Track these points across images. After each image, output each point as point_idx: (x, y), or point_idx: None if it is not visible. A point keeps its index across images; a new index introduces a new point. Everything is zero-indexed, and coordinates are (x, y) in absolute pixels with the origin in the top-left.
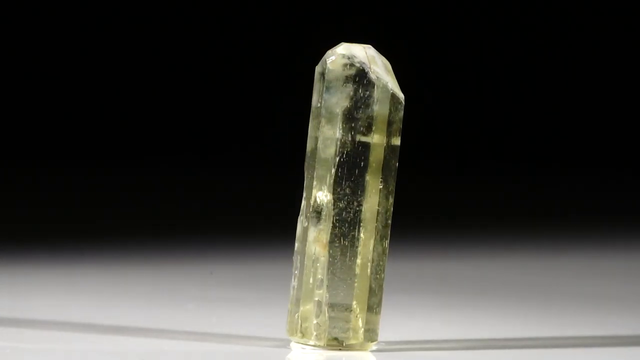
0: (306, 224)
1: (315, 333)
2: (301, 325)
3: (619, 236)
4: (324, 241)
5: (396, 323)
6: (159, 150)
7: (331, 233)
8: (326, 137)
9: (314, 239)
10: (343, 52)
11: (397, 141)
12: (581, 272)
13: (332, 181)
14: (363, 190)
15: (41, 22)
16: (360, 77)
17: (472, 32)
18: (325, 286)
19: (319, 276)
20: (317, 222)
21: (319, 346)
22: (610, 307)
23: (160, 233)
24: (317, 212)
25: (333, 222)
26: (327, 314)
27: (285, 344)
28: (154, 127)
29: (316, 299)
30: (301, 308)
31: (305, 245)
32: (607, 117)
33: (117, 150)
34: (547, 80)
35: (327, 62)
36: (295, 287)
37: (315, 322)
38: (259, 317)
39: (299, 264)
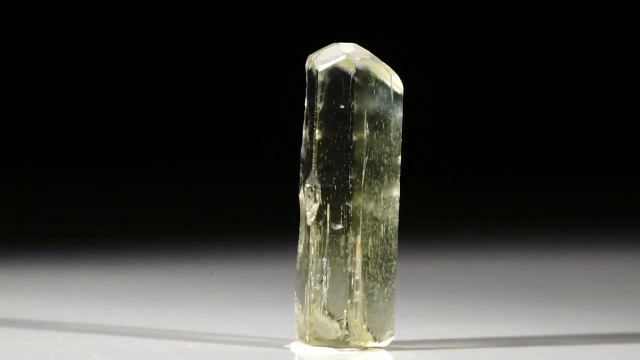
0: (338, 226)
1: (356, 335)
2: (347, 330)
3: (617, 236)
4: (358, 242)
5: (404, 322)
6: (158, 152)
7: (362, 234)
8: (319, 138)
9: (346, 240)
10: (334, 53)
11: (388, 137)
12: (581, 271)
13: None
14: (351, 190)
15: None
16: (357, 77)
17: (467, 32)
18: (361, 287)
19: (357, 277)
20: (350, 224)
21: (359, 347)
22: (610, 305)
23: (160, 233)
24: (348, 214)
25: (363, 222)
26: (365, 314)
27: (286, 344)
28: (153, 130)
29: (355, 300)
30: (345, 312)
31: (333, 248)
32: (605, 118)
33: (116, 153)
34: (545, 80)
35: (319, 64)
36: (327, 292)
37: (355, 323)
38: (259, 317)
39: (328, 268)
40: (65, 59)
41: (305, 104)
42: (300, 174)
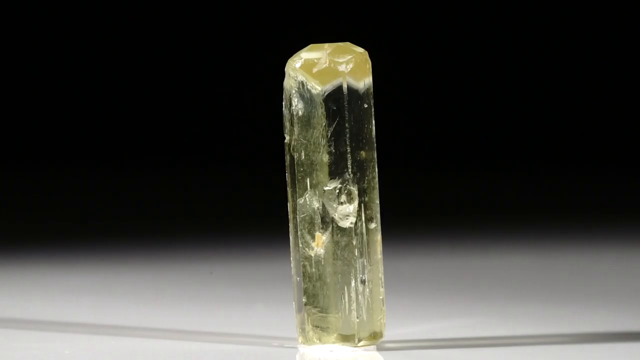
0: (373, 225)
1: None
2: (381, 326)
3: (615, 233)
4: (380, 239)
5: (400, 322)
6: (156, 151)
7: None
8: (350, 138)
9: (375, 238)
10: (305, 56)
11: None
12: (580, 269)
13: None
14: (378, 187)
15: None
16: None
17: (459, 29)
18: (384, 283)
19: (381, 274)
20: (373, 222)
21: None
22: (610, 304)
23: (160, 233)
24: (379, 212)
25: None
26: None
27: (290, 343)
28: (153, 128)
29: (381, 297)
30: (383, 309)
31: (371, 247)
32: (599, 112)
33: (114, 152)
34: (538, 76)
35: (341, 66)
36: (369, 292)
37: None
38: (259, 316)
39: (369, 267)
40: (61, 58)
41: (298, 106)
42: (304, 178)
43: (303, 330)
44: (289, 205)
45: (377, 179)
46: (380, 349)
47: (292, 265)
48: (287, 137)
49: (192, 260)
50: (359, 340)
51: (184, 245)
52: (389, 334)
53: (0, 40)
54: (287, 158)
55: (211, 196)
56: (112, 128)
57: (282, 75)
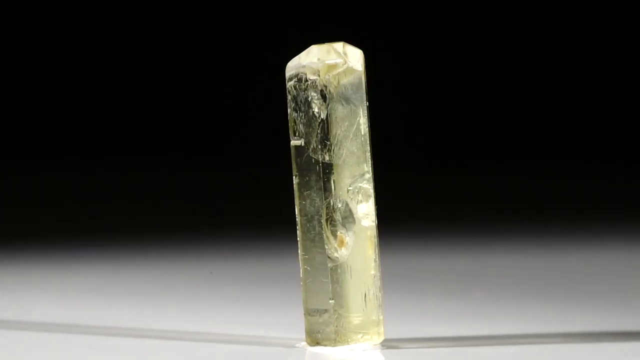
0: (376, 221)
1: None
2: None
3: (613, 231)
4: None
5: (399, 321)
6: (156, 151)
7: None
8: (368, 137)
9: (374, 235)
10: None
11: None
12: (580, 269)
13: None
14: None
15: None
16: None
17: (456, 27)
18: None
19: (379, 272)
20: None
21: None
22: (609, 304)
23: (160, 233)
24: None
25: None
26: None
27: (292, 343)
28: (153, 127)
29: (380, 293)
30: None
31: (374, 245)
32: (598, 112)
33: (114, 152)
34: (537, 76)
35: (358, 65)
36: (379, 289)
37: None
38: (260, 316)
39: (379, 265)
40: (61, 58)
41: (320, 108)
42: (329, 179)
43: (321, 332)
44: (298, 207)
45: (372, 177)
46: (380, 348)
47: (300, 267)
48: (300, 141)
49: (192, 260)
50: (380, 339)
51: (184, 245)
52: (389, 333)
53: (0, 40)
54: (298, 161)
55: (211, 196)
56: (113, 128)
57: (281, 75)
